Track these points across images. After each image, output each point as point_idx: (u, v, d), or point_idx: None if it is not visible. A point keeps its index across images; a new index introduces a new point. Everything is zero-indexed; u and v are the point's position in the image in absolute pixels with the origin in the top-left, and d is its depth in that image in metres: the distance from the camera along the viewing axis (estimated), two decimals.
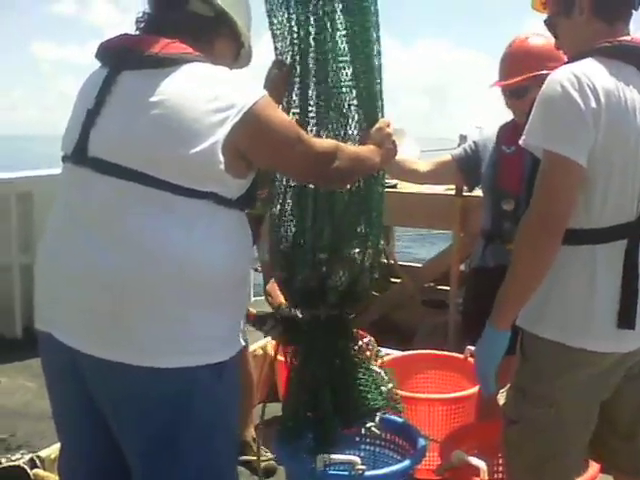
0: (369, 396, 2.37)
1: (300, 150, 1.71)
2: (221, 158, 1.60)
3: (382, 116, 2.14)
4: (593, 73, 1.72)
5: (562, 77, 1.73)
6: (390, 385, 2.45)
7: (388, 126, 2.04)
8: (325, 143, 1.83)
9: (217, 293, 1.64)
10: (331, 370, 2.35)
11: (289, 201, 2.22)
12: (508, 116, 2.83)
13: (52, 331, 1.68)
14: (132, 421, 1.65)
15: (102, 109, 1.66)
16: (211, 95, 1.60)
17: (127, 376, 1.59)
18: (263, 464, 3.11)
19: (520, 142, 1.80)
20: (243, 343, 1.76)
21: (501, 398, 2.03)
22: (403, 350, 3.59)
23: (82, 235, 1.63)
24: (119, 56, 1.70)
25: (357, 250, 2.25)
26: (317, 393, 2.35)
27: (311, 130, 2.02)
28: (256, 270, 3.25)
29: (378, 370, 2.45)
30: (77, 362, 1.65)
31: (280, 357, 2.65)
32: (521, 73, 2.61)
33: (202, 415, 1.64)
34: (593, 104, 1.69)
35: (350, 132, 2.08)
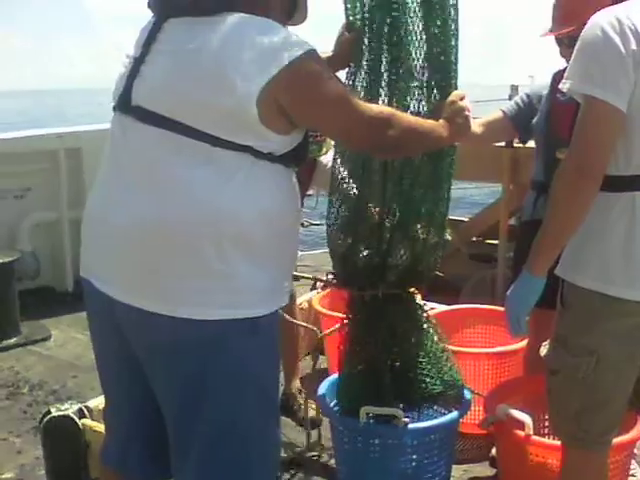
0: (427, 380, 2.35)
1: (347, 112, 1.64)
2: (255, 110, 1.55)
3: (456, 87, 2.05)
4: (636, 14, 1.66)
5: (603, 20, 1.69)
6: (452, 371, 2.42)
7: (462, 99, 1.94)
8: (378, 108, 1.75)
9: (256, 247, 1.62)
10: (390, 350, 2.34)
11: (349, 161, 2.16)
12: (564, 63, 2.74)
13: (91, 278, 1.70)
14: (164, 370, 1.66)
15: (147, 57, 1.66)
16: (252, 45, 1.56)
17: (161, 326, 1.60)
18: (309, 415, 3.15)
19: (559, 86, 1.79)
20: (285, 302, 1.74)
21: (544, 350, 2.00)
22: (449, 304, 3.54)
23: (123, 185, 1.64)
24: (166, 3, 1.68)
25: (420, 226, 2.21)
26: (376, 373, 2.35)
27: (383, 101, 1.95)
28: (302, 225, 3.22)
29: (440, 352, 2.42)
30: (114, 310, 1.66)
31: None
32: (573, 20, 2.51)
33: (235, 368, 1.63)
34: (634, 46, 1.64)
35: (422, 104, 2.01)
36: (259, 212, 1.61)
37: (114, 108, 1.75)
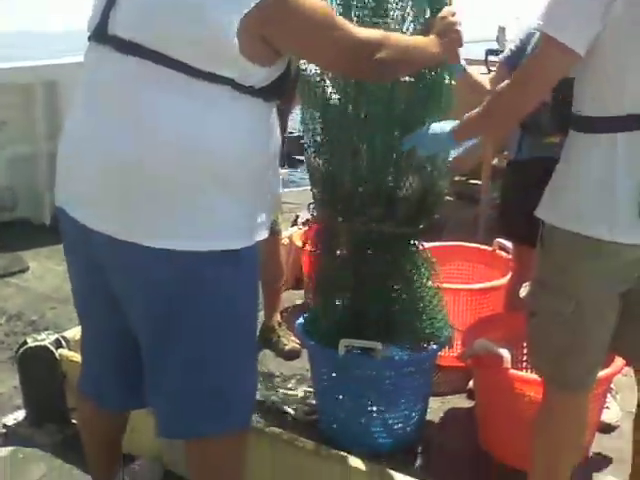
0: (417, 324, 2.35)
1: (336, 37, 1.58)
2: (235, 41, 1.49)
3: (448, 3, 2.01)
4: None
5: None
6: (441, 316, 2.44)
7: (453, 15, 1.90)
8: (368, 31, 1.69)
9: (234, 181, 1.58)
10: (380, 289, 2.32)
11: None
12: None
13: (67, 208, 1.66)
14: (141, 301, 1.63)
15: None
16: None
17: (139, 256, 1.56)
18: (287, 347, 3.17)
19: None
20: (265, 235, 1.71)
21: (523, 291, 2.00)
22: (432, 242, 3.53)
23: (100, 115, 1.58)
24: None
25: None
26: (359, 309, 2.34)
27: (374, 24, 1.91)
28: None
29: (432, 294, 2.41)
30: (90, 240, 1.62)
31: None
32: None
33: (210, 300, 1.61)
34: None
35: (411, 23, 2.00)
36: (239, 146, 1.57)
37: (89, 38, 1.67)
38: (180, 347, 1.63)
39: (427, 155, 2.17)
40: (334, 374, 2.42)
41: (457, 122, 1.94)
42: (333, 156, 2.25)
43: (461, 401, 2.83)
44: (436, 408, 2.75)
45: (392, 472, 1.97)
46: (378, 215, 2.24)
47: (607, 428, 2.57)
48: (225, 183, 1.57)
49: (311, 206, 2.41)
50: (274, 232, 3.09)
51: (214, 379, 1.67)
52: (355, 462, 2.02)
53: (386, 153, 2.18)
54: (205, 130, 1.52)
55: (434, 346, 2.41)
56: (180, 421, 1.71)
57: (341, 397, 2.44)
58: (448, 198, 4.42)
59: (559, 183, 1.79)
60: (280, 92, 1.68)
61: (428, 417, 2.62)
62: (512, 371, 2.24)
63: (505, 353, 2.24)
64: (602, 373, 2.07)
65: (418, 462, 2.44)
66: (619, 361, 2.15)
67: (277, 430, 2.20)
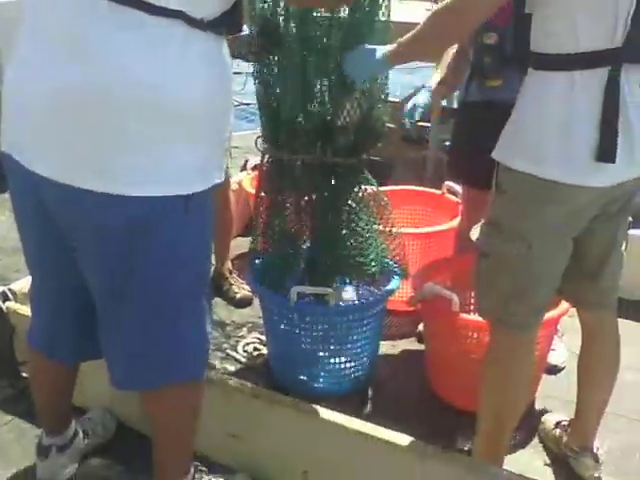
0: (362, 260, 2.35)
1: None
2: None
3: None
4: None
5: None
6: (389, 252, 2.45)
7: None
8: None
9: (192, 122, 1.53)
10: (329, 221, 2.31)
11: None
12: None
13: (13, 154, 1.59)
14: (92, 249, 1.59)
15: None
16: None
17: (89, 203, 1.51)
18: (239, 295, 3.17)
19: None
20: (220, 179, 1.67)
21: (475, 232, 2.01)
22: (380, 186, 3.53)
23: (47, 52, 1.50)
24: None
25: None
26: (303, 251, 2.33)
27: None
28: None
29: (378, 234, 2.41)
30: (39, 187, 1.56)
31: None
32: None
33: (167, 247, 1.58)
34: None
35: None
36: (196, 84, 1.51)
37: None
38: (131, 297, 1.61)
39: (361, 81, 2.15)
40: (285, 321, 2.43)
41: (390, 46, 1.93)
42: (272, 86, 2.22)
43: (411, 344, 2.88)
44: (386, 351, 2.79)
45: (341, 415, 1.99)
46: (319, 147, 2.24)
47: (554, 369, 2.65)
48: (178, 121, 1.51)
49: (258, 141, 2.37)
50: (224, 177, 3.05)
51: (167, 329, 1.66)
52: (305, 406, 2.04)
53: (323, 82, 2.18)
54: (158, 65, 1.46)
55: (385, 289, 2.44)
56: (133, 373, 1.70)
57: (292, 343, 2.45)
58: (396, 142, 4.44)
59: (517, 123, 1.76)
60: (232, 25, 1.64)
61: (378, 361, 2.66)
62: (460, 314, 2.27)
63: (453, 297, 2.27)
64: (549, 315, 2.12)
65: (368, 406, 2.49)
66: (565, 303, 2.19)
67: (227, 378, 2.21)
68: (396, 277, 2.50)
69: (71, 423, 2.13)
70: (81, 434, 2.17)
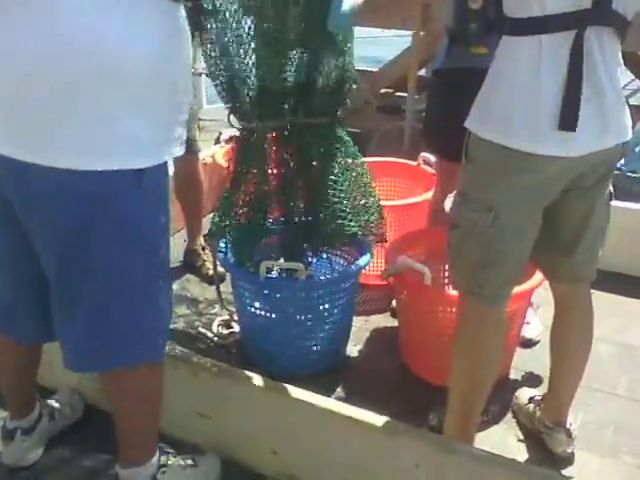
0: (344, 222, 2.30)
1: None
2: None
3: None
4: None
5: None
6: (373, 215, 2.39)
7: None
8: None
9: (139, 90, 1.45)
10: (307, 180, 2.26)
11: None
12: None
13: None
14: (43, 227, 1.53)
15: None
16: None
17: (37, 178, 1.45)
18: (211, 271, 3.10)
19: None
20: (177, 153, 1.60)
21: (448, 203, 1.96)
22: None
23: None
24: None
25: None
26: (288, 204, 2.27)
27: None
28: (200, 75, 3.00)
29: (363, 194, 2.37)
30: None
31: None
32: None
33: (119, 225, 1.51)
34: None
35: None
36: (143, 50, 1.43)
37: None
38: (82, 276, 1.55)
39: (334, 30, 2.10)
40: (254, 297, 2.38)
41: None
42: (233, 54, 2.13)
43: (384, 320, 2.84)
44: (359, 327, 2.76)
45: (310, 394, 1.95)
46: (291, 110, 2.20)
47: (528, 343, 2.62)
48: (129, 91, 1.43)
49: (231, 117, 2.30)
50: (193, 151, 2.97)
51: (122, 309, 1.60)
52: (272, 384, 2.00)
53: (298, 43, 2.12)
54: (105, 29, 1.38)
55: (357, 263, 2.39)
56: (86, 354, 1.64)
57: (263, 319, 2.41)
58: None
59: (486, 91, 1.73)
60: None
61: (351, 337, 2.62)
62: (432, 288, 2.23)
63: (425, 270, 2.22)
64: (522, 287, 2.10)
65: (340, 384, 2.44)
66: (539, 275, 2.16)
67: (193, 355, 2.16)
68: (368, 250, 2.45)
69: (36, 406, 2.08)
70: (46, 417, 2.12)
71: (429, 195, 2.93)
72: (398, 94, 4.79)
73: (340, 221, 2.28)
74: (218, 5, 2.01)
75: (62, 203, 1.48)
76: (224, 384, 2.03)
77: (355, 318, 2.65)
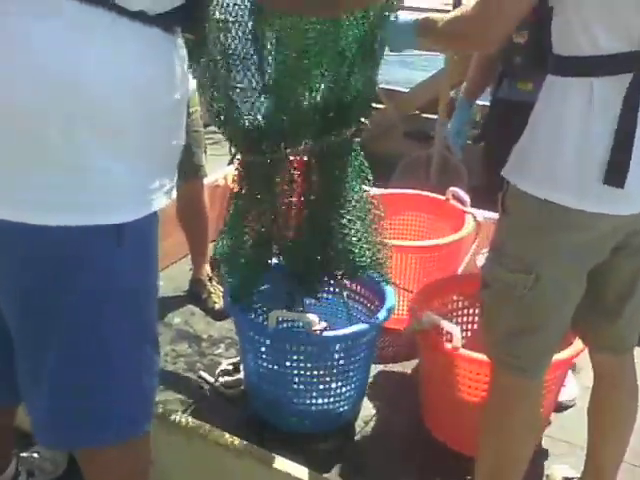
0: (356, 250, 2.06)
1: None
2: None
3: None
4: None
5: None
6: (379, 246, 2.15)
7: None
8: None
9: (117, 131, 1.22)
10: (315, 210, 2.02)
11: None
12: None
13: None
14: (7, 288, 1.30)
15: None
16: None
17: (6, 234, 1.23)
18: (217, 306, 2.88)
19: None
20: (163, 203, 1.36)
21: (481, 258, 1.74)
22: (379, 187, 3.23)
23: None
24: None
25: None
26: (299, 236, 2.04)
27: None
28: None
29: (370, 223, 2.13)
30: None
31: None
32: None
33: (95, 286, 1.28)
34: None
35: None
36: (124, 87, 1.20)
37: None
38: (53, 342, 1.31)
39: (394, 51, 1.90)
40: (263, 348, 2.14)
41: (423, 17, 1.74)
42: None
43: (407, 369, 2.58)
44: (377, 377, 2.50)
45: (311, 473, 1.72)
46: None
47: (562, 407, 2.36)
48: (105, 132, 1.20)
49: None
50: (198, 176, 2.77)
51: (94, 382, 1.35)
52: (269, 458, 1.78)
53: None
54: (78, 59, 1.16)
55: (379, 315, 2.14)
56: (56, 429, 1.40)
57: (271, 372, 2.17)
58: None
59: (527, 138, 1.55)
60: (186, 20, 1.33)
61: (368, 389, 2.37)
62: (462, 351, 1.98)
63: (455, 330, 1.98)
64: (560, 355, 1.86)
65: (354, 445, 2.21)
66: (579, 342, 1.91)
67: (188, 422, 1.91)
68: (389, 296, 2.21)
69: (11, 462, 1.86)
70: (24, 474, 1.91)
71: (459, 235, 2.69)
72: (426, 116, 4.55)
73: (351, 253, 2.04)
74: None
75: (27, 263, 1.25)
76: (221, 455, 1.79)
77: (373, 365, 2.41)
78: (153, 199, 1.32)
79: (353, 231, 2.04)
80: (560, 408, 2.35)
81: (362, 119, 2.03)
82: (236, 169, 2.05)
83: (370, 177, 2.13)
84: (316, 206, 2.00)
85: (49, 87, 1.15)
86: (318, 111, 1.89)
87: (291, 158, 1.99)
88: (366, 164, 2.12)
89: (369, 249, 2.09)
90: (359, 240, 2.07)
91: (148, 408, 1.47)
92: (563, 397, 2.35)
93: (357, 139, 2.05)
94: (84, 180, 1.20)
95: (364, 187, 2.10)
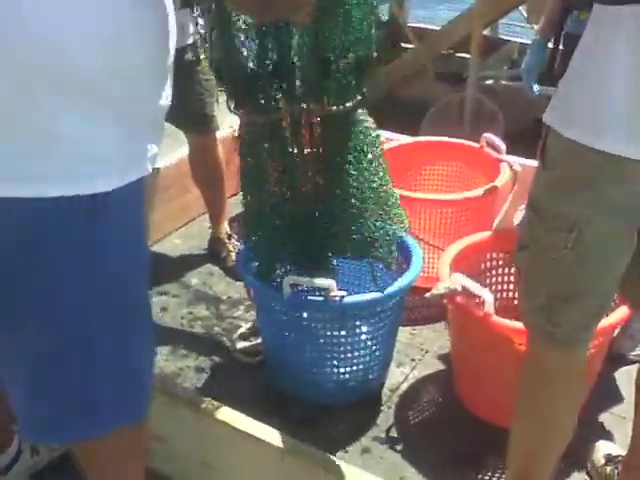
0: (368, 228, 1.87)
1: None
2: None
3: None
4: None
5: None
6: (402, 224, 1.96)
7: None
8: None
9: (87, 90, 1.05)
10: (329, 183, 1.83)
11: None
12: None
13: None
14: None
15: None
16: None
17: None
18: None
19: None
20: (145, 171, 1.16)
21: (519, 215, 1.56)
22: (409, 134, 3.02)
23: None
24: None
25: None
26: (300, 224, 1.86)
27: None
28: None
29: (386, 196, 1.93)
30: None
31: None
32: None
33: (64, 266, 1.12)
34: None
35: None
36: (90, 36, 1.02)
37: None
38: (28, 331, 1.17)
39: None
40: (278, 315, 1.99)
41: None
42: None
43: (435, 333, 2.41)
44: (405, 342, 2.34)
45: (322, 454, 1.59)
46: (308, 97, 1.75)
47: (619, 359, 2.19)
48: (73, 92, 1.04)
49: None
50: (210, 129, 2.59)
51: (71, 375, 1.22)
52: (280, 438, 1.63)
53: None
54: (38, 11, 0.99)
55: (402, 281, 1.97)
56: (37, 420, 1.27)
57: (289, 343, 2.02)
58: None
59: (572, 78, 1.35)
60: None
61: (395, 355, 2.22)
62: (495, 318, 1.80)
63: (486, 295, 1.80)
64: (606, 321, 1.68)
65: (381, 416, 2.06)
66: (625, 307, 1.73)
67: (197, 397, 1.78)
68: (415, 257, 2.04)
69: (13, 439, 1.78)
70: (28, 451, 1.82)
71: (491, 186, 2.48)
72: (458, 55, 4.28)
73: (361, 230, 1.85)
74: None
75: None
76: (228, 433, 1.66)
77: (400, 328, 2.25)
78: (133, 166, 1.15)
79: (363, 208, 1.83)
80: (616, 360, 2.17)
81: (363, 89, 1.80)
82: (239, 134, 1.87)
83: (381, 151, 1.90)
84: (320, 177, 1.80)
85: (7, 44, 0.98)
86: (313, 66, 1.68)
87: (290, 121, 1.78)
88: (375, 134, 1.88)
89: (382, 228, 1.88)
90: (370, 218, 1.86)
91: (146, 393, 1.33)
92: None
93: (361, 110, 1.81)
94: (53, 147, 1.04)
95: (375, 155, 1.87)
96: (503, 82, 3.92)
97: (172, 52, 1.21)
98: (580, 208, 1.34)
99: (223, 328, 2.43)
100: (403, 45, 4.33)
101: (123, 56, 1.07)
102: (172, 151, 2.87)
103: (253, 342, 2.29)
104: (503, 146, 2.63)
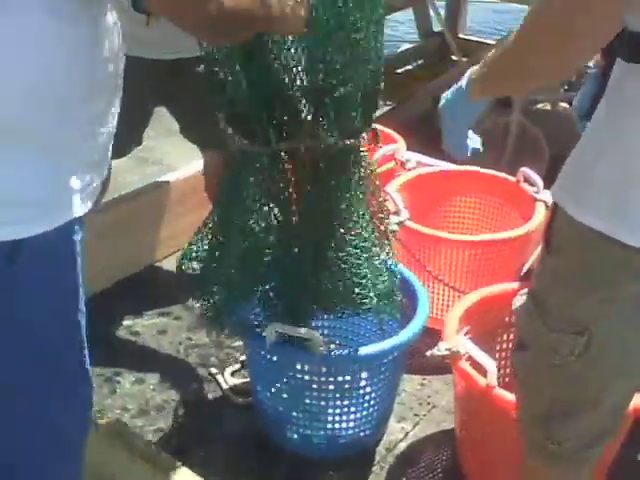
0: (359, 284, 1.67)
1: None
2: None
3: None
4: None
5: None
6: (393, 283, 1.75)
7: None
8: None
9: (9, 126, 0.93)
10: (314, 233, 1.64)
11: None
12: None
13: None
14: None
15: None
16: None
17: None
18: None
19: None
20: (80, 210, 1.02)
21: (518, 299, 1.36)
22: (443, 159, 2.80)
23: None
24: None
25: None
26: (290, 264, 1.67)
27: None
28: None
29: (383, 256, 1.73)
30: None
31: None
32: None
33: None
34: None
35: None
36: (6, 76, 0.90)
37: None
38: None
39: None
40: (263, 361, 1.83)
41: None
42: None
43: (445, 386, 2.16)
44: (409, 392, 2.14)
45: None
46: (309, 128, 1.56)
47: None
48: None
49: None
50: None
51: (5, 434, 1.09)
52: None
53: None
54: None
55: (402, 337, 1.77)
56: None
57: (276, 391, 1.86)
58: None
59: (586, 150, 1.13)
60: None
61: (396, 408, 2.03)
62: (497, 390, 1.59)
63: (490, 365, 1.60)
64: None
65: (370, 477, 1.88)
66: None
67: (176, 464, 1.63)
68: (421, 305, 1.85)
69: None
70: None
71: (526, 229, 2.26)
72: None
73: (351, 287, 1.65)
74: None
75: None
76: None
77: (406, 376, 2.06)
78: (62, 207, 1.01)
79: (355, 262, 1.63)
80: None
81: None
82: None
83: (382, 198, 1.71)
84: (307, 223, 1.61)
85: None
86: (307, 96, 1.50)
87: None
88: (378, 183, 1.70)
89: (376, 285, 1.67)
90: (364, 274, 1.64)
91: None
92: None
93: (362, 150, 1.61)
94: None
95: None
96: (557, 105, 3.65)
97: (116, 72, 1.07)
98: (592, 308, 1.12)
99: (219, 359, 2.27)
100: (453, 58, 4.12)
101: (44, 90, 0.93)
102: (187, 164, 2.74)
103: (245, 380, 2.12)
104: (540, 182, 2.40)
